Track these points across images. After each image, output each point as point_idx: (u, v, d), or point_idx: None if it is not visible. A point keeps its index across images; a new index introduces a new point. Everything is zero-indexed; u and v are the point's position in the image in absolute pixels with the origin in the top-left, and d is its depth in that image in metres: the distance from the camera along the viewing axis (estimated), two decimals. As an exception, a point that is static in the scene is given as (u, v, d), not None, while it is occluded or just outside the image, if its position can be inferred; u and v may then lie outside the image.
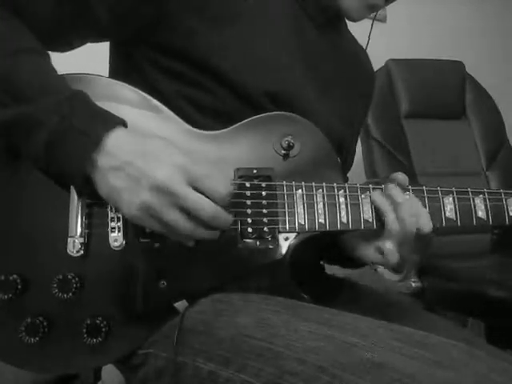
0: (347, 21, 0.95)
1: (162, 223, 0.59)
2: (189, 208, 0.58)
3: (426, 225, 0.71)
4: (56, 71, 0.65)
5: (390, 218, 0.70)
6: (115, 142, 0.59)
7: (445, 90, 2.09)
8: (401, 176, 0.74)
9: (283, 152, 0.73)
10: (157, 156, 0.59)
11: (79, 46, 0.76)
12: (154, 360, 0.65)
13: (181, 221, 0.59)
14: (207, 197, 0.59)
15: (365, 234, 0.76)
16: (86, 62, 0.95)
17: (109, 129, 0.60)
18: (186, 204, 0.58)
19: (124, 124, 0.63)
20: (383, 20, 2.33)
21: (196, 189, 0.59)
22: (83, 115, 0.60)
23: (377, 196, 0.72)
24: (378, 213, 0.72)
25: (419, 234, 0.70)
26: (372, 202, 0.72)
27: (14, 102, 0.60)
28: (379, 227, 0.72)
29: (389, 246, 0.71)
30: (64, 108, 0.59)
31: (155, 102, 0.71)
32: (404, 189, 0.73)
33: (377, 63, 1.75)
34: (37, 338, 0.63)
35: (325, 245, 0.87)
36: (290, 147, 0.72)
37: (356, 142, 1.05)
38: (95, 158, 0.59)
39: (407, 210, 0.70)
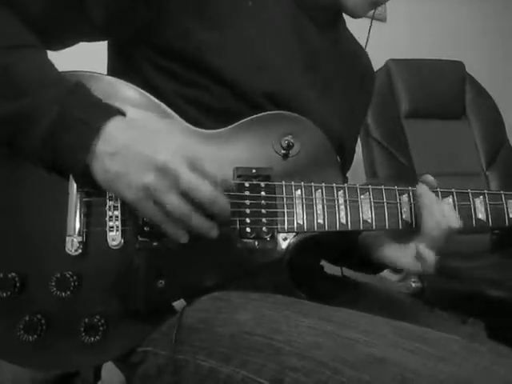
0: (345, 20, 0.95)
1: (160, 206, 0.59)
2: (188, 189, 0.59)
3: (456, 223, 0.72)
4: (54, 65, 0.65)
5: (433, 217, 0.71)
6: (114, 129, 0.60)
7: (445, 89, 2.09)
8: (430, 178, 0.75)
9: (283, 152, 0.72)
10: (156, 139, 0.60)
11: (74, 45, 0.76)
12: (153, 358, 0.65)
13: (180, 203, 0.59)
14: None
15: (394, 235, 0.77)
16: (84, 61, 0.95)
17: (108, 117, 0.60)
18: (186, 185, 0.58)
19: (123, 114, 0.63)
20: (383, 20, 2.33)
21: (196, 172, 0.60)
22: (83, 105, 0.60)
23: (424, 190, 0.73)
24: (417, 211, 0.73)
25: (449, 233, 0.71)
26: (418, 196, 0.73)
27: (15, 94, 0.60)
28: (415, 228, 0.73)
29: (428, 253, 0.72)
30: (64, 99, 0.60)
31: (155, 100, 0.71)
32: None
33: (377, 63, 1.75)
34: (35, 336, 0.63)
35: (331, 245, 0.87)
36: (289, 147, 0.72)
37: (356, 141, 1.05)
38: (94, 145, 0.59)
39: (441, 209, 0.72)
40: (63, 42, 0.74)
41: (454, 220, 0.72)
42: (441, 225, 0.71)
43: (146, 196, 0.59)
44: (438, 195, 0.75)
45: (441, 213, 0.71)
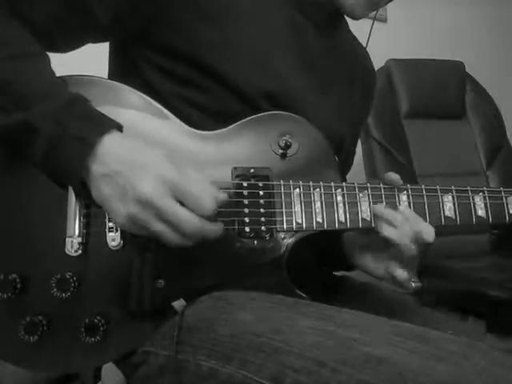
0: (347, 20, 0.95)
1: (150, 233, 0.60)
2: (171, 222, 0.58)
3: (430, 234, 0.71)
4: (55, 74, 0.65)
5: (397, 234, 0.71)
6: (108, 148, 0.60)
7: (445, 89, 2.09)
8: (394, 176, 0.74)
9: (281, 151, 0.73)
10: (145, 167, 0.59)
11: (79, 47, 0.76)
12: (154, 358, 0.65)
13: (166, 232, 0.59)
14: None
15: (370, 246, 0.78)
16: (85, 62, 0.96)
17: (103, 133, 0.60)
18: (169, 218, 0.58)
19: (120, 128, 0.63)
20: (383, 20, 2.33)
21: (182, 202, 0.59)
22: (78, 121, 0.60)
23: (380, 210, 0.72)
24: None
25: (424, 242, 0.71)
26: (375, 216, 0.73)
27: (14, 107, 0.60)
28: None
29: (401, 273, 0.73)
30: (60, 114, 0.60)
31: (155, 103, 0.71)
32: (400, 188, 0.74)
33: (377, 63, 1.75)
34: (36, 337, 0.63)
35: (325, 252, 0.87)
36: (287, 146, 0.72)
37: (356, 142, 1.05)
38: (90, 164, 0.59)
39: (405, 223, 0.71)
40: (70, 44, 0.74)
41: (425, 232, 0.71)
42: (404, 241, 0.71)
43: (132, 223, 0.59)
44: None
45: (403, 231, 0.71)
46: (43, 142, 0.59)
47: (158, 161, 0.60)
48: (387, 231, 0.71)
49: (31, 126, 0.59)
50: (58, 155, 0.59)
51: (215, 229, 0.62)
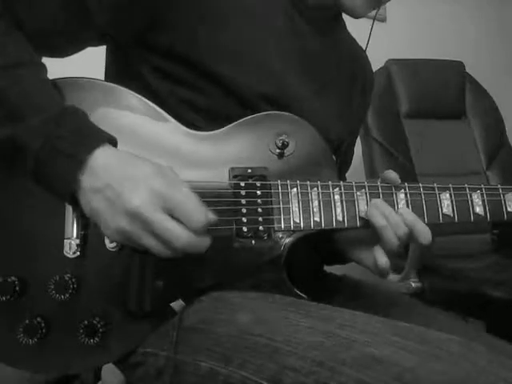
0: (346, 22, 0.95)
1: (139, 246, 0.59)
2: (160, 236, 0.57)
3: (426, 236, 0.71)
4: (50, 84, 0.65)
5: (385, 229, 0.71)
6: (99, 162, 0.59)
7: (445, 90, 2.09)
8: (392, 175, 0.74)
9: (278, 151, 0.73)
10: (135, 180, 0.58)
11: (79, 51, 0.75)
12: (153, 359, 0.65)
13: (155, 246, 0.58)
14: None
15: (362, 239, 0.78)
16: (82, 64, 0.95)
17: (93, 148, 0.59)
18: (158, 232, 0.57)
19: (112, 140, 0.62)
20: (383, 20, 2.33)
21: (173, 216, 0.58)
22: (68, 135, 0.59)
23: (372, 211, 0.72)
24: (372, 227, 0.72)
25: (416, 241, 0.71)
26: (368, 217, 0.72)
27: (4, 119, 0.59)
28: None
29: (384, 262, 0.72)
30: (49, 129, 0.59)
31: (152, 105, 0.71)
32: (397, 187, 0.74)
33: (377, 63, 1.75)
34: (35, 339, 0.63)
35: (321, 246, 0.87)
36: (284, 146, 0.72)
37: (355, 141, 1.05)
38: (80, 178, 0.58)
39: (398, 219, 0.71)
40: (69, 47, 0.74)
41: (422, 234, 0.71)
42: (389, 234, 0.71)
43: (122, 237, 0.58)
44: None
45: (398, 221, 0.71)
46: (32, 157, 0.58)
47: (149, 174, 0.59)
48: (377, 219, 0.71)
49: (19, 142, 0.58)
50: (47, 171, 0.59)
51: (204, 244, 0.60)
